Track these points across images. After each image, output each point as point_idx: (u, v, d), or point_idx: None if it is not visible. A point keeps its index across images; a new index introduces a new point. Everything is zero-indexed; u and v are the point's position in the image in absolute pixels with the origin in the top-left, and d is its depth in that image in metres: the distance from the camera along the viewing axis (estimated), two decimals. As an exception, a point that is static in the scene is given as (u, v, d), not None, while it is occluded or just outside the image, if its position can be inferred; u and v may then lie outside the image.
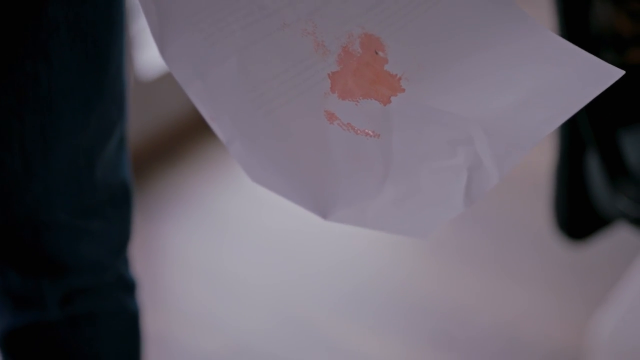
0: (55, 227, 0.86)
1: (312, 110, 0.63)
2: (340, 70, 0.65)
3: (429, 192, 0.63)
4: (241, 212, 2.05)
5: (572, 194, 1.11)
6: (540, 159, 1.86)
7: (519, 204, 2.06)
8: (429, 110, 0.65)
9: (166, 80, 2.23)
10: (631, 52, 1.10)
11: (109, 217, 0.88)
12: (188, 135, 2.26)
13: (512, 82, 0.65)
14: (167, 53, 0.61)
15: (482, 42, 0.66)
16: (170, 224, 2.02)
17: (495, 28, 0.67)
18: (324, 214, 0.61)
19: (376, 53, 0.66)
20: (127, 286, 0.98)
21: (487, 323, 1.72)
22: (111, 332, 0.96)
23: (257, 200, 2.08)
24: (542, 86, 0.64)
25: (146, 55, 2.19)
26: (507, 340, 1.68)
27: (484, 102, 0.64)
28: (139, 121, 2.11)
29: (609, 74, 0.64)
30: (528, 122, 0.63)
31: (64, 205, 0.84)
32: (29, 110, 0.79)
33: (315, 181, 0.61)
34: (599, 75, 0.64)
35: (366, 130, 0.64)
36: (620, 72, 0.63)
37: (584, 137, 1.09)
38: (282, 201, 2.06)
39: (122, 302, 0.97)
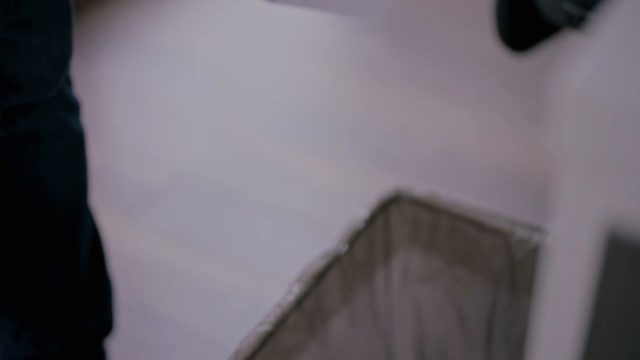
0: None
1: None
2: None
3: None
4: (180, 45, 2.02)
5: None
6: (479, -22, 1.85)
7: (459, 25, 2.05)
8: None
9: None
10: None
11: (49, 31, 0.86)
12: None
13: None
14: None
15: None
16: (109, 58, 1.98)
17: None
18: None
19: None
20: (70, 106, 0.96)
21: (430, 143, 1.74)
22: (54, 152, 0.95)
23: (196, 32, 2.04)
24: None
25: None
26: (450, 158, 1.71)
27: None
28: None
29: None
30: None
31: (1, 18, 0.82)
32: None
33: None
34: None
35: None
36: None
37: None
38: (221, 32, 2.03)
39: (66, 122, 0.95)
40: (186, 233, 1.57)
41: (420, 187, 0.99)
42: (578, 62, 0.40)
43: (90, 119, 1.30)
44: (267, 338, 0.84)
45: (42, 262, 1.01)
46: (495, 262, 0.96)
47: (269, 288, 1.46)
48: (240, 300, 1.45)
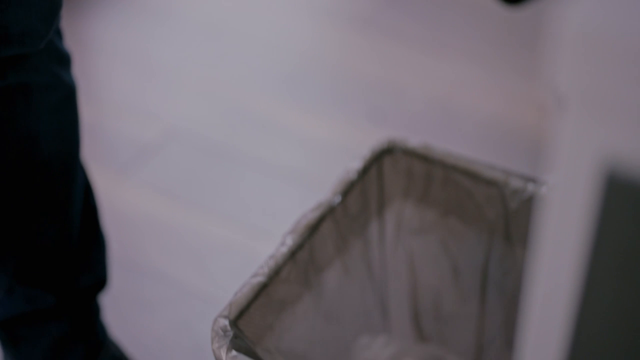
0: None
1: None
2: None
3: None
4: (171, 1, 2.00)
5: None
6: None
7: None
8: None
9: None
10: None
11: (37, -19, 0.84)
12: None
13: None
14: None
15: None
16: (100, 15, 1.96)
17: None
18: None
19: None
20: (61, 58, 0.95)
21: (422, 97, 1.73)
22: (46, 105, 0.94)
23: (184, -13, 2.02)
24: None
25: None
26: (442, 112, 1.70)
27: None
28: None
29: None
30: None
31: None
32: None
33: None
34: None
35: None
36: None
37: None
38: (210, -14, 2.02)
39: (57, 75, 0.94)
40: (178, 189, 1.57)
41: (413, 140, 0.99)
42: (577, -2, 0.39)
43: (81, 76, 1.30)
44: (261, 289, 0.83)
45: (35, 216, 1.00)
46: (489, 213, 0.96)
47: (262, 243, 1.46)
48: (234, 256, 1.45)
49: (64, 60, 0.96)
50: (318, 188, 1.50)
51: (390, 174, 0.97)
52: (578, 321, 0.45)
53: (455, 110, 1.71)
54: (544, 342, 0.46)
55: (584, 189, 0.42)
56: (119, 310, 1.35)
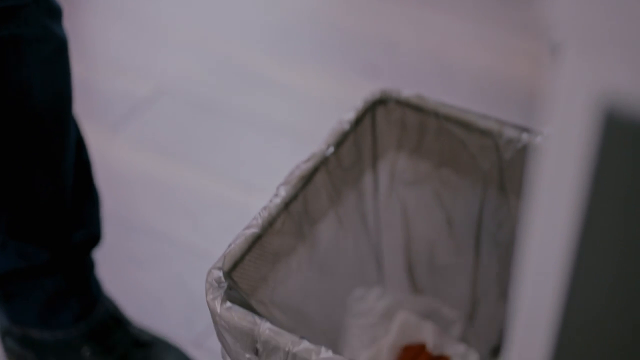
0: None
1: None
2: None
3: None
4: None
5: None
6: None
7: None
8: None
9: None
10: None
11: None
12: None
13: None
14: None
15: None
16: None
17: None
18: None
19: None
20: (51, 11, 0.94)
21: (416, 51, 1.72)
22: (37, 57, 0.93)
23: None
24: None
25: None
26: (436, 65, 1.69)
27: None
28: None
29: None
30: None
31: None
32: None
33: None
34: None
35: None
36: None
37: None
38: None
39: (48, 27, 0.93)
40: (171, 145, 1.56)
41: (407, 91, 0.98)
42: None
43: (73, 33, 1.27)
44: (255, 241, 0.83)
45: (28, 170, 1.00)
46: (483, 164, 0.96)
47: (256, 198, 1.45)
48: (227, 211, 1.45)
49: (54, 12, 0.94)
50: (311, 142, 1.48)
51: (383, 125, 0.97)
52: (574, 271, 0.44)
53: (448, 62, 1.70)
54: (539, 293, 0.46)
55: (580, 133, 0.42)
56: (112, 266, 1.35)
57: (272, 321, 0.86)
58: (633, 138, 0.40)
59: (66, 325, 1.11)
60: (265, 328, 0.73)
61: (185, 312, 1.30)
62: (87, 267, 1.12)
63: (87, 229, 1.10)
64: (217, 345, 1.23)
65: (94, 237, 1.11)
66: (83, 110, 1.53)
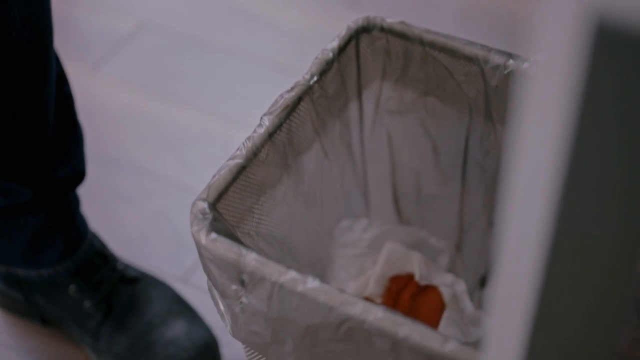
0: None
1: None
2: None
3: None
4: None
5: None
6: None
7: None
8: None
9: None
10: None
11: None
12: None
13: None
14: None
15: None
16: None
17: None
18: None
19: None
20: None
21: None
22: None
23: None
24: None
25: None
26: (420, -3, 1.68)
27: None
28: None
29: None
30: None
31: None
32: None
33: None
34: None
35: None
36: None
37: None
38: None
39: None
40: (154, 81, 1.54)
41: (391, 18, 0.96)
42: None
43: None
44: (240, 172, 0.82)
45: (9, 106, 0.98)
46: (469, 91, 0.94)
47: (240, 132, 1.44)
48: (212, 146, 1.44)
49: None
50: (296, 75, 1.47)
51: (367, 54, 0.95)
52: (563, 197, 0.44)
53: (433, -6, 1.68)
54: (526, 221, 0.45)
55: (570, 49, 0.41)
56: (98, 203, 1.34)
57: (258, 253, 0.86)
58: (626, 50, 0.39)
59: (51, 263, 1.10)
60: (251, 259, 0.73)
61: (172, 248, 1.29)
62: (72, 204, 1.11)
63: (71, 165, 1.09)
64: (204, 281, 1.23)
65: (77, 173, 1.10)
66: (64, 47, 1.50)
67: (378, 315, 0.68)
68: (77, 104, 1.10)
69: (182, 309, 1.14)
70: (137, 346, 1.11)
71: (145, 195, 1.37)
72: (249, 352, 0.86)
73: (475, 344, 0.94)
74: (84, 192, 1.26)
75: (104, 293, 1.12)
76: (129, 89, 1.53)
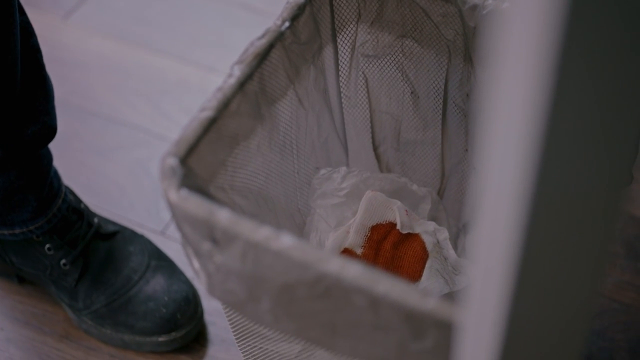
0: None
1: None
2: None
3: None
4: None
5: None
6: None
7: None
8: None
9: None
10: None
11: None
12: None
13: None
14: None
15: None
16: None
17: None
18: None
19: None
20: None
21: None
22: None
23: None
24: None
25: None
26: None
27: None
28: None
29: None
30: None
31: None
32: None
33: None
34: None
35: None
36: None
37: None
38: None
39: None
40: (128, 28, 1.50)
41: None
42: None
43: None
44: (210, 124, 0.79)
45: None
46: (447, 33, 0.91)
47: (217, 79, 1.41)
48: (188, 94, 1.40)
49: None
50: (273, 19, 1.44)
51: (341, -4, 0.92)
52: (545, 137, 0.41)
53: None
54: (507, 163, 0.43)
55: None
56: (72, 157, 1.31)
57: (233, 207, 0.83)
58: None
59: (24, 223, 1.07)
60: (222, 216, 0.70)
61: (151, 200, 1.27)
62: (44, 161, 1.08)
63: (41, 121, 1.05)
64: (183, 233, 1.21)
65: (48, 129, 1.06)
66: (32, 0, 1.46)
67: (355, 272, 0.66)
68: (48, 55, 1.07)
69: (161, 263, 1.12)
70: (115, 303, 1.09)
71: (121, 146, 1.34)
72: (227, 310, 0.84)
73: (460, 293, 0.92)
74: (57, 145, 1.23)
75: (80, 250, 1.09)
76: (101, 38, 1.49)
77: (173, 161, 0.75)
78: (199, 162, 0.79)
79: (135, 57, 1.46)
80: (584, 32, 0.38)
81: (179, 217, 0.73)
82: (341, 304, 0.68)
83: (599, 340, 1.08)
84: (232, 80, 0.81)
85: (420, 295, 0.64)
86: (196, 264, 0.76)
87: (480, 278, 0.48)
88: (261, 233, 0.69)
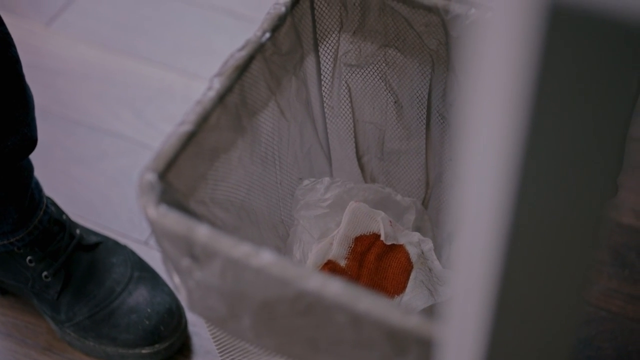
0: None
1: None
2: None
3: None
4: None
5: None
6: None
7: None
8: None
9: None
10: None
11: None
12: None
13: None
14: None
15: None
16: None
17: None
18: None
19: None
20: None
21: None
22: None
23: None
24: None
25: None
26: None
27: None
28: None
29: None
30: None
31: None
32: None
33: None
34: None
35: None
36: None
37: None
38: None
39: None
40: (111, 35, 1.49)
41: (347, -34, 0.92)
42: None
43: None
44: (190, 139, 0.78)
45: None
46: (430, 42, 0.90)
47: (201, 87, 1.39)
48: (172, 102, 1.39)
49: None
50: (256, 26, 1.43)
51: (322, 5, 0.91)
52: (527, 146, 0.41)
53: None
54: (487, 170, 0.42)
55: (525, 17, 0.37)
56: (54, 167, 1.30)
57: (214, 221, 0.82)
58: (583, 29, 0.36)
59: (5, 235, 1.06)
60: (201, 233, 0.69)
61: (134, 209, 1.25)
62: (24, 173, 1.07)
63: (20, 132, 1.04)
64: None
65: (28, 141, 1.05)
66: (17, 5, 1.45)
67: (336, 290, 0.65)
68: (30, 62, 1.05)
69: (144, 274, 1.11)
70: (98, 315, 1.08)
71: (104, 155, 1.32)
72: (209, 325, 0.83)
73: (443, 305, 0.92)
74: (39, 154, 1.21)
75: (62, 261, 1.08)
76: (83, 44, 1.48)
77: (151, 176, 0.74)
78: (179, 177, 0.78)
79: (118, 64, 1.44)
80: (566, 42, 0.38)
81: (158, 233, 0.72)
82: (323, 321, 0.67)
83: (585, 349, 1.08)
84: (212, 93, 0.80)
85: (401, 312, 0.63)
86: (177, 280, 0.75)
87: (461, 292, 0.47)
88: (241, 249, 0.68)
